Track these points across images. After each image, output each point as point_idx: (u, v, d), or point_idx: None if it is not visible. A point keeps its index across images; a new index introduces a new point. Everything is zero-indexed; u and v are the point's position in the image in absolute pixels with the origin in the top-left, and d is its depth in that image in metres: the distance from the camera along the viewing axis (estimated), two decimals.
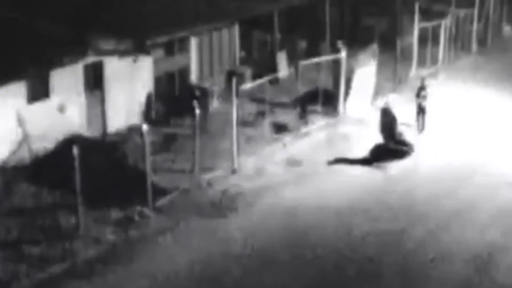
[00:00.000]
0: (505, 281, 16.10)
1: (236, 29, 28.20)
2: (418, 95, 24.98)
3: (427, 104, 24.74)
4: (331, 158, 22.37)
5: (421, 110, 24.80)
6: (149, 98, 24.58)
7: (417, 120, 24.86)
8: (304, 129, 24.20)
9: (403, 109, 24.80)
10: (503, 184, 20.97)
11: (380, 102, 23.72)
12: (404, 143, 22.84)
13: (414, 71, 30.72)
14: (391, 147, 22.71)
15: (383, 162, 22.15)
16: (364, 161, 22.33)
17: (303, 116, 24.77)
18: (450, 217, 18.88)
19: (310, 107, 25.67)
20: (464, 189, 20.58)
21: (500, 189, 20.69)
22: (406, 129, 23.64)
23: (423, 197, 20.05)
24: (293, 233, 17.96)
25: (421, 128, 24.79)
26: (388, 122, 22.76)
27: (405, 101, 27.64)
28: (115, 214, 18.17)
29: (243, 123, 23.13)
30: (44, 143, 20.67)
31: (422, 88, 25.02)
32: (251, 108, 24.96)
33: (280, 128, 24.15)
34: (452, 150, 23.45)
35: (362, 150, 22.74)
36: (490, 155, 23.15)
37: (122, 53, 23.08)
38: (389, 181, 21.22)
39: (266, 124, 23.98)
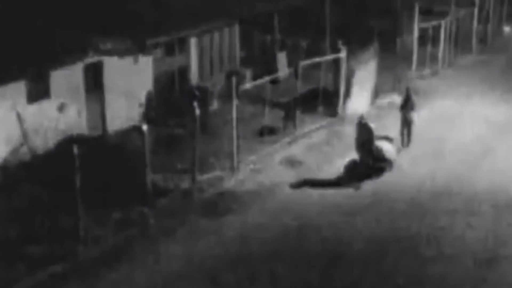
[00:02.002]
0: None
1: (236, 29, 28.23)
2: (403, 106, 23.52)
3: (414, 116, 23.42)
4: (326, 160, 22.33)
5: (406, 123, 23.41)
6: (149, 98, 24.60)
7: (402, 133, 23.46)
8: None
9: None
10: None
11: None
12: (382, 159, 21.38)
13: (414, 71, 30.74)
14: (368, 164, 21.23)
15: (358, 180, 20.83)
16: (338, 180, 21.05)
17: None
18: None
19: (309, 107, 25.66)
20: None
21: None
22: (387, 144, 21.85)
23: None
24: (293, 233, 17.97)
25: (406, 142, 23.42)
26: (364, 137, 21.31)
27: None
28: (115, 214, 18.18)
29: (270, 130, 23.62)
30: (44, 143, 20.69)
31: (407, 99, 23.54)
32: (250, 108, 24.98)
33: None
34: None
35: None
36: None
37: (122, 53, 23.09)
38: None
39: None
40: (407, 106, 23.45)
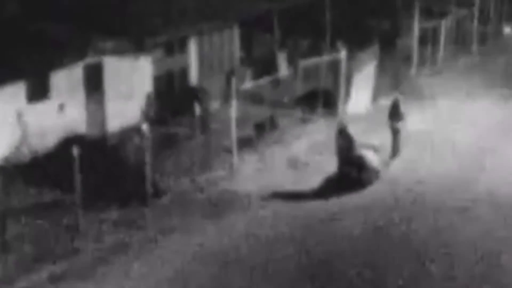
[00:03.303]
0: None
1: (236, 29, 28.21)
2: (391, 115, 22.59)
3: (402, 125, 22.51)
4: (325, 159, 21.55)
5: (394, 132, 22.52)
6: (149, 98, 24.60)
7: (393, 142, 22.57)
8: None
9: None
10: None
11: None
12: (365, 169, 20.20)
13: (414, 71, 30.74)
14: (349, 174, 20.17)
15: (339, 191, 19.84)
16: (318, 191, 20.16)
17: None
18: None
19: (309, 107, 25.65)
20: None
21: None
22: (371, 153, 20.71)
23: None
24: (293, 232, 17.97)
25: (394, 151, 22.44)
26: (344, 145, 20.29)
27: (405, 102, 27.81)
28: (115, 214, 18.19)
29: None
30: (44, 143, 20.70)
31: (395, 107, 22.68)
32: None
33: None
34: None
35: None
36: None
37: (122, 53, 23.10)
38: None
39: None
40: (395, 115, 22.54)
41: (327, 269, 16.17)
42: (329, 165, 21.75)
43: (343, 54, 25.73)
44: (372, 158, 20.53)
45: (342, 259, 16.55)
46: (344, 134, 20.49)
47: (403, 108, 22.72)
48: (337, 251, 16.93)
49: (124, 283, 15.66)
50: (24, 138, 20.39)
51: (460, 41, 34.97)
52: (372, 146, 21.06)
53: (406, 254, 16.84)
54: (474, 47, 36.08)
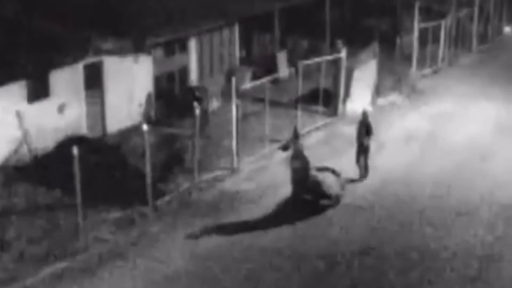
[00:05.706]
0: None
1: (236, 29, 28.23)
2: (359, 132, 20.75)
3: (370, 142, 20.84)
4: (324, 159, 21.27)
5: (362, 150, 20.71)
6: (149, 98, 24.61)
7: (358, 162, 20.78)
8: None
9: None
10: None
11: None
12: (322, 195, 18.87)
13: (414, 70, 30.75)
14: (303, 199, 18.89)
15: (292, 217, 18.53)
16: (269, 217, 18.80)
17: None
18: None
19: (310, 107, 25.64)
20: None
21: None
22: (330, 177, 19.31)
23: None
24: (293, 232, 17.98)
25: (363, 172, 20.73)
26: (299, 168, 18.89)
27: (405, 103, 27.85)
28: (115, 214, 18.20)
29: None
30: (44, 143, 20.71)
31: (363, 122, 20.79)
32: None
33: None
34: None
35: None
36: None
37: (122, 53, 23.10)
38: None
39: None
40: (363, 131, 20.72)
41: None
42: (328, 164, 21.71)
43: (343, 54, 25.72)
44: (330, 182, 19.18)
45: None
46: (299, 157, 19.08)
47: (371, 124, 21.00)
48: None
49: (124, 282, 15.68)
50: (24, 138, 20.41)
51: (460, 40, 34.96)
52: (332, 169, 19.67)
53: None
54: (474, 46, 36.09)
